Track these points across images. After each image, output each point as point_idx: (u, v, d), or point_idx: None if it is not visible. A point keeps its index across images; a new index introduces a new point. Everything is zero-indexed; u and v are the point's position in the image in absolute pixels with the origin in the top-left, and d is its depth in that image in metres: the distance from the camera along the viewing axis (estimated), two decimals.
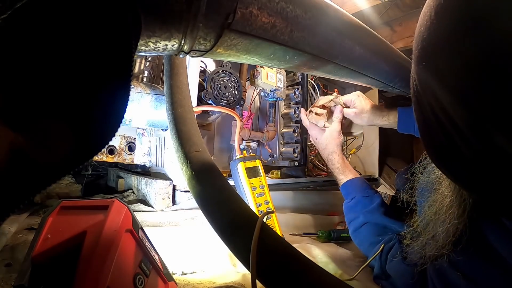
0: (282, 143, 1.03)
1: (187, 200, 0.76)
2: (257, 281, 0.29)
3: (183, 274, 0.53)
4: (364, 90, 1.41)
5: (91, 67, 0.21)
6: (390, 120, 0.79)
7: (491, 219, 0.35)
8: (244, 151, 0.73)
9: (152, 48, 0.31)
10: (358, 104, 0.81)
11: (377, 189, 1.24)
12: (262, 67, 0.88)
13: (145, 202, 0.81)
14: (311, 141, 1.12)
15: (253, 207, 0.66)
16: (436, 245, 0.39)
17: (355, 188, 0.72)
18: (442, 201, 0.38)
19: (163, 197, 0.75)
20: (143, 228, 0.41)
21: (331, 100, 0.86)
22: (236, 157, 0.70)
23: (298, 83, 1.03)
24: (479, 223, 0.36)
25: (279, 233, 0.67)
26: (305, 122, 0.85)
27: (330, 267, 0.56)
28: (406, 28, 1.52)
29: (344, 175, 0.75)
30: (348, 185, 0.73)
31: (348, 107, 0.84)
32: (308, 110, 0.89)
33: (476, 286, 0.35)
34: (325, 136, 0.79)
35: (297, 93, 1.00)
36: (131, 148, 0.91)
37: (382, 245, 0.56)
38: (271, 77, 0.90)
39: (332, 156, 0.78)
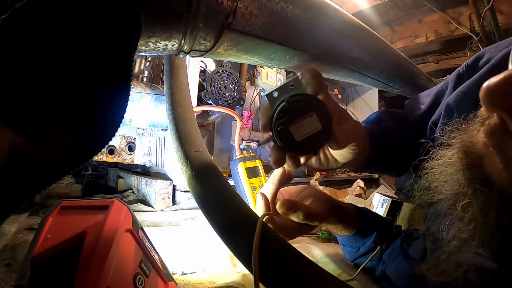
0: None
1: (187, 200, 0.76)
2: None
3: (183, 274, 0.53)
4: (364, 90, 1.42)
5: (91, 67, 0.21)
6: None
7: None
8: (244, 151, 0.73)
9: (152, 48, 0.31)
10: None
11: (376, 191, 1.24)
12: (262, 67, 0.88)
13: (145, 202, 0.81)
14: None
15: (253, 207, 0.66)
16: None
17: (360, 237, 0.54)
18: (479, 234, 0.30)
19: (163, 197, 0.75)
20: (143, 228, 0.41)
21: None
22: (236, 157, 0.70)
23: None
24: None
25: None
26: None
27: (330, 267, 0.56)
28: (406, 28, 1.52)
29: (346, 231, 0.54)
30: (354, 237, 0.54)
31: None
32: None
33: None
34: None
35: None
36: (131, 148, 0.91)
37: (379, 247, 0.55)
38: (271, 77, 0.90)
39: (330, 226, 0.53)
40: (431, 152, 0.35)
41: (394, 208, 0.89)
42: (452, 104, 0.39)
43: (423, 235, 0.43)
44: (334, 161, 0.44)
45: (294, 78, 0.31)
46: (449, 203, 0.32)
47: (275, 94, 0.32)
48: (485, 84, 0.22)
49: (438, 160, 0.33)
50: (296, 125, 0.30)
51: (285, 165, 0.36)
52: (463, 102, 0.38)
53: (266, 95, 0.32)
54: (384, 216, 0.87)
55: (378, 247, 0.55)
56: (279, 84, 0.33)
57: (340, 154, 0.42)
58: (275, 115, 0.31)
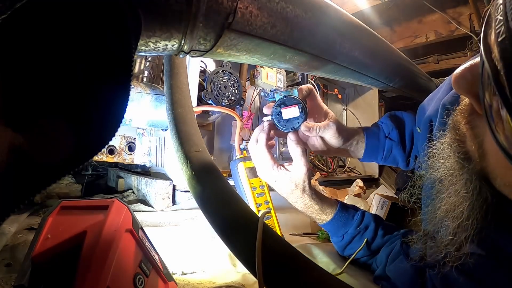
0: (282, 143, 1.03)
1: (187, 200, 0.76)
2: (255, 279, 0.29)
3: (183, 274, 0.53)
4: (364, 90, 1.42)
5: (91, 67, 0.21)
6: (353, 145, 0.63)
7: (509, 223, 0.32)
8: (244, 151, 0.73)
9: (152, 48, 0.31)
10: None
11: (376, 191, 1.24)
12: (262, 67, 0.88)
13: (145, 202, 0.81)
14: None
15: (253, 207, 0.66)
16: (448, 249, 0.36)
17: (343, 222, 0.57)
18: (460, 204, 0.34)
19: (163, 197, 0.75)
20: (143, 228, 0.41)
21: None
22: (236, 157, 0.70)
23: (298, 83, 1.04)
24: (496, 229, 0.33)
25: (279, 233, 0.67)
26: (261, 147, 0.54)
27: (330, 267, 0.56)
28: (406, 28, 1.52)
29: (325, 214, 0.57)
30: (333, 223, 0.58)
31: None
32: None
33: None
34: (291, 179, 0.53)
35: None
36: (131, 148, 0.91)
37: (366, 239, 0.55)
38: (271, 77, 0.90)
39: (305, 199, 0.55)
40: (438, 134, 0.39)
41: (394, 210, 0.89)
42: (447, 104, 0.42)
43: (423, 236, 0.44)
44: (326, 146, 0.60)
45: (295, 89, 0.54)
46: (445, 180, 0.36)
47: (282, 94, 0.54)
48: (455, 72, 0.28)
49: (441, 139, 0.37)
50: (285, 109, 0.53)
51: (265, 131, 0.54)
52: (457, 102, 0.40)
53: (276, 94, 0.55)
54: (384, 218, 0.87)
55: (365, 239, 0.55)
56: (287, 91, 0.55)
57: (329, 140, 0.59)
58: (277, 102, 0.53)
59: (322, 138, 0.60)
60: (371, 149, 0.64)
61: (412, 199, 0.47)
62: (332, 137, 0.58)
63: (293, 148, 0.53)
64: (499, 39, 0.22)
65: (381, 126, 0.66)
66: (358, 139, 0.64)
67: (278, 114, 0.53)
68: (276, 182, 0.55)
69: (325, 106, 0.61)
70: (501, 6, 0.22)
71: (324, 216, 0.57)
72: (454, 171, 0.35)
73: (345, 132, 0.60)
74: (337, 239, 0.59)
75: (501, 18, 0.22)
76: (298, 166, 0.53)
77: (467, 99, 0.31)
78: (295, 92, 0.54)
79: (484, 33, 0.24)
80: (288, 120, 0.53)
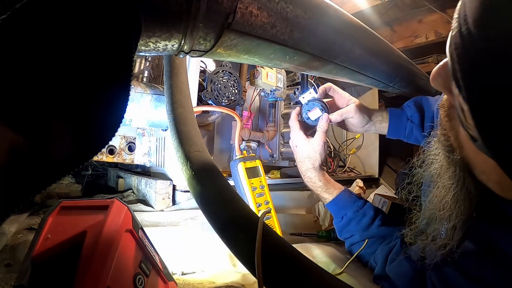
0: (282, 143, 1.03)
1: (187, 200, 0.76)
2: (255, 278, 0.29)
3: (183, 274, 0.53)
4: (364, 90, 1.42)
5: (91, 67, 0.21)
6: (376, 124, 0.75)
7: (500, 219, 0.33)
8: (244, 151, 0.73)
9: (152, 48, 0.31)
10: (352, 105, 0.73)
11: (376, 191, 1.24)
12: (262, 67, 0.88)
13: (145, 202, 0.81)
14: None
15: (253, 207, 0.66)
16: (441, 243, 0.37)
17: (343, 204, 0.64)
18: (445, 196, 0.36)
19: (163, 197, 0.75)
20: (143, 228, 0.41)
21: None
22: (236, 157, 0.70)
23: (298, 83, 1.04)
24: (485, 222, 0.34)
25: (279, 233, 0.67)
26: (292, 121, 0.71)
27: (330, 267, 0.56)
28: (406, 28, 1.52)
29: (328, 193, 0.65)
30: (335, 203, 0.65)
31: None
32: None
33: (481, 286, 0.35)
34: (307, 147, 0.67)
35: (297, 93, 1.00)
36: (131, 148, 0.91)
37: (366, 240, 0.56)
38: (271, 77, 0.90)
39: (311, 173, 0.66)
40: (434, 131, 0.41)
41: (394, 210, 0.89)
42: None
43: (419, 231, 0.44)
44: (353, 126, 0.74)
45: (307, 90, 0.73)
46: (435, 174, 0.38)
47: (304, 98, 0.73)
48: (433, 69, 0.30)
49: (433, 136, 0.40)
50: (311, 112, 0.70)
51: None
52: None
53: (300, 99, 0.74)
54: None
55: (366, 240, 0.58)
56: (309, 95, 0.72)
57: (353, 120, 0.72)
58: (304, 110, 0.72)
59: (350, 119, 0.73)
60: (394, 128, 0.74)
61: (411, 196, 0.48)
62: (354, 118, 0.71)
63: (320, 123, 0.68)
64: (452, 33, 0.24)
65: (405, 109, 0.75)
66: (381, 119, 0.75)
67: (308, 118, 0.71)
68: (297, 147, 0.69)
69: (347, 94, 0.76)
70: (458, 5, 0.25)
71: (326, 195, 0.66)
72: (443, 165, 0.37)
73: (367, 111, 0.73)
74: (337, 220, 0.66)
75: (456, 15, 0.24)
76: (316, 139, 0.67)
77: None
78: (313, 93, 0.72)
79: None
80: (316, 119, 0.70)
